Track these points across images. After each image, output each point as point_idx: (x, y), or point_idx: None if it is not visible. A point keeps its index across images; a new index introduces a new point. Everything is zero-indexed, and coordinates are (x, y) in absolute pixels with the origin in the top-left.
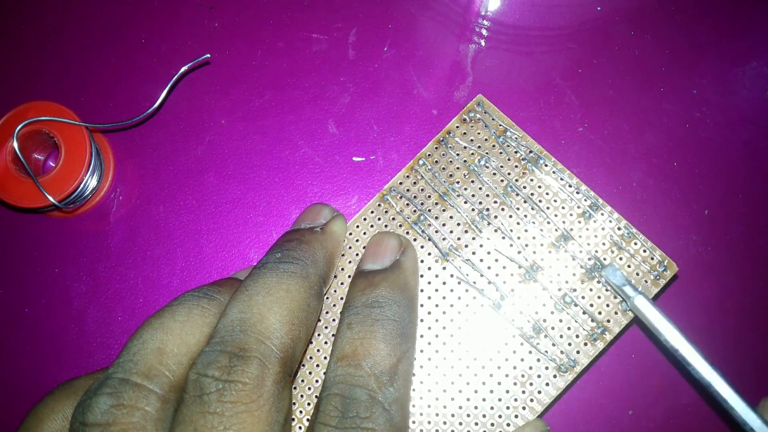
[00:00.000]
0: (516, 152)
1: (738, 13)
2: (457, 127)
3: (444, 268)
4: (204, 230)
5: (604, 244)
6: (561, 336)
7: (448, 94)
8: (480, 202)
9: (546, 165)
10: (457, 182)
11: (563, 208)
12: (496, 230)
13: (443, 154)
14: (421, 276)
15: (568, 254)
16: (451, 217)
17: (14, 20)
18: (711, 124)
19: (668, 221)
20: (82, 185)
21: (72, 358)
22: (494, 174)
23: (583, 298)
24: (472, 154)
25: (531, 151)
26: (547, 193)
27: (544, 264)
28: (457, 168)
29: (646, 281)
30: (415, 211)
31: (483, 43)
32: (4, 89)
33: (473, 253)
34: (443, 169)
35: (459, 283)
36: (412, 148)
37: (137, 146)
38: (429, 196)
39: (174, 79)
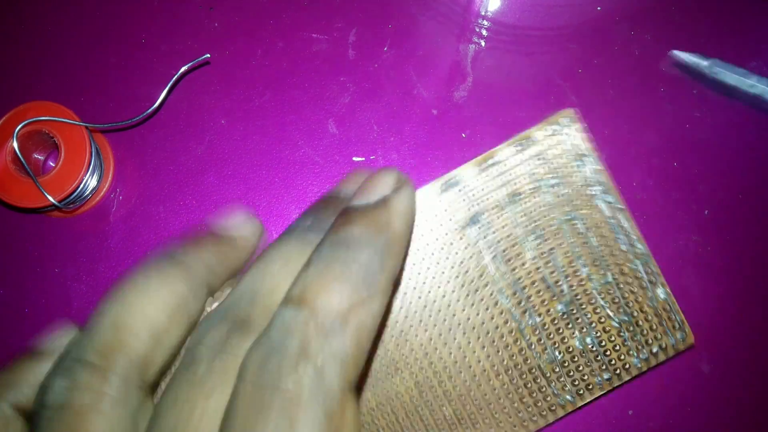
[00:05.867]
0: (588, 183)
1: (738, 13)
2: (540, 135)
3: (482, 275)
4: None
5: (638, 300)
6: (570, 373)
7: (448, 94)
8: (537, 221)
9: (611, 203)
10: (520, 193)
11: (614, 254)
12: (543, 254)
13: (517, 160)
14: (456, 276)
15: (605, 300)
16: (503, 226)
17: (14, 20)
18: (711, 124)
19: (668, 221)
20: (82, 185)
21: None
22: (559, 197)
23: (602, 344)
24: (546, 171)
25: (602, 186)
26: (602, 235)
27: (579, 300)
28: (526, 178)
29: (662, 346)
30: (470, 208)
31: (483, 43)
32: (4, 89)
33: (521, 265)
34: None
35: (492, 294)
36: (412, 148)
37: (137, 146)
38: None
39: (174, 79)
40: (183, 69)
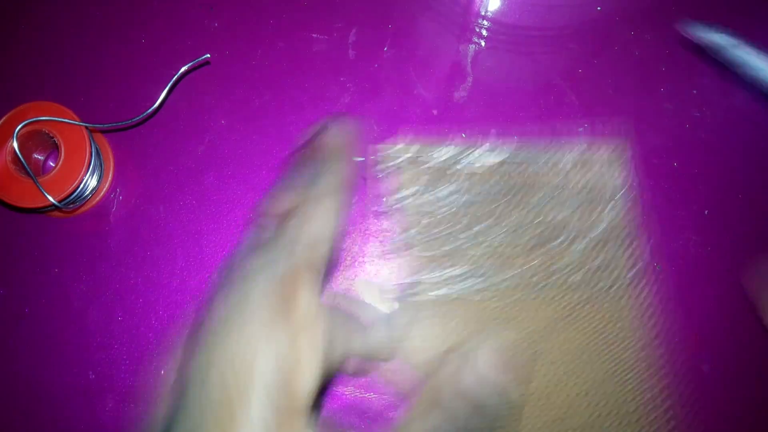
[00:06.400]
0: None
1: (738, 13)
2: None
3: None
4: (204, 230)
5: (572, 167)
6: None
7: (448, 94)
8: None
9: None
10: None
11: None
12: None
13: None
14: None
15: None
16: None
17: (14, 20)
18: (711, 124)
19: (668, 221)
20: (82, 185)
21: (72, 358)
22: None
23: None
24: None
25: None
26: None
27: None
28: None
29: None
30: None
31: (483, 43)
32: (4, 89)
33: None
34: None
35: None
36: None
37: (137, 146)
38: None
39: (174, 79)
40: (183, 69)
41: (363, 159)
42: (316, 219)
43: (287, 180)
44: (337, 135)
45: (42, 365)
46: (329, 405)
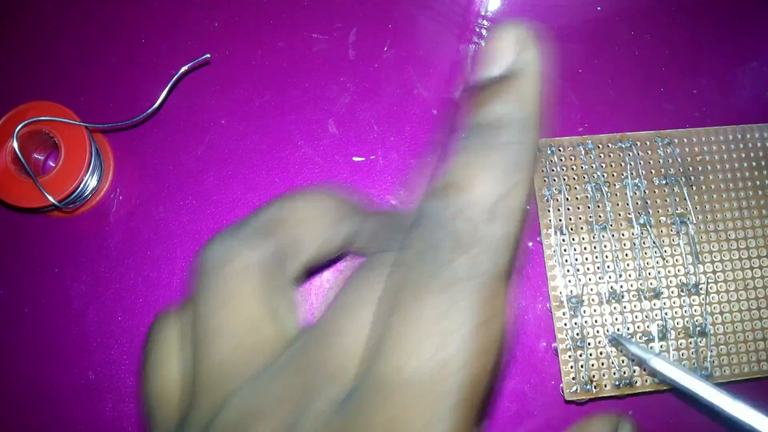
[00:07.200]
0: None
1: (738, 13)
2: None
3: None
4: (204, 230)
5: None
6: None
7: (448, 94)
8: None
9: None
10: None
11: None
12: None
13: None
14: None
15: None
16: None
17: (14, 20)
18: (711, 124)
19: None
20: (82, 185)
21: (72, 358)
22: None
23: None
24: None
25: None
26: None
27: None
28: None
29: None
30: None
31: (483, 44)
32: (4, 89)
33: None
34: None
35: None
36: (412, 148)
37: (137, 146)
38: None
39: (174, 79)
40: (183, 69)
41: (363, 159)
42: (521, 211)
43: (494, 153)
44: (535, 75)
45: (42, 365)
46: None
